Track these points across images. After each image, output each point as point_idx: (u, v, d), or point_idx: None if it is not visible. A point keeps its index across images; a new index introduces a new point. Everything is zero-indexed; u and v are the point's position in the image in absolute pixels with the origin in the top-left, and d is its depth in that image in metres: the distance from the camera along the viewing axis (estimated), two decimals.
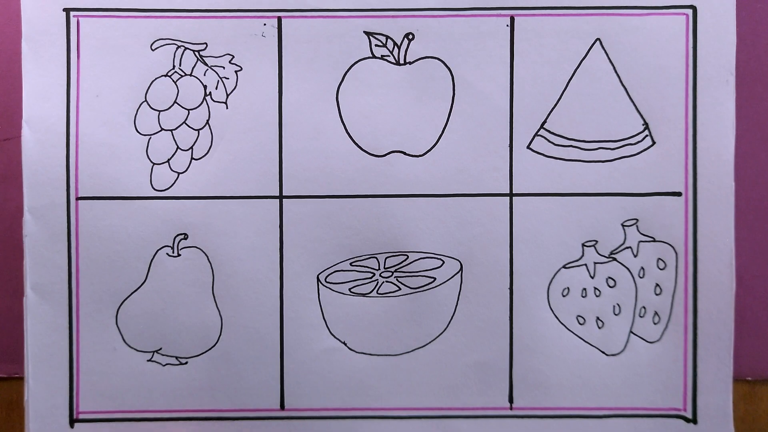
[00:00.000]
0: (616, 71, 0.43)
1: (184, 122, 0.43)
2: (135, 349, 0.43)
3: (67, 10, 0.42)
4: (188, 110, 0.43)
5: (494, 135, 0.43)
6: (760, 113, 0.43)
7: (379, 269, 0.43)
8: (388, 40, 0.43)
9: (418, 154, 0.43)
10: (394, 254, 0.43)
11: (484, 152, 0.43)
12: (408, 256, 0.43)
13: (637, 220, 0.43)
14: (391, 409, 0.43)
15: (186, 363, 0.43)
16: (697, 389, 0.43)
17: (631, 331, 0.43)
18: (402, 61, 0.43)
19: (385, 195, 0.43)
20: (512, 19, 0.43)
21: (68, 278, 0.42)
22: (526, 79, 0.43)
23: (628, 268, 0.43)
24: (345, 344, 0.43)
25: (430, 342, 0.43)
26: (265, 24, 0.42)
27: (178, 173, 0.43)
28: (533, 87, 0.43)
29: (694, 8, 0.42)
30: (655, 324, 0.43)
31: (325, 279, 0.43)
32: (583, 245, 0.43)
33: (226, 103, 0.43)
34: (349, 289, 0.43)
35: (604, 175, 0.43)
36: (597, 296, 0.43)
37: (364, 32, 0.43)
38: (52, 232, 0.42)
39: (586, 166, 0.43)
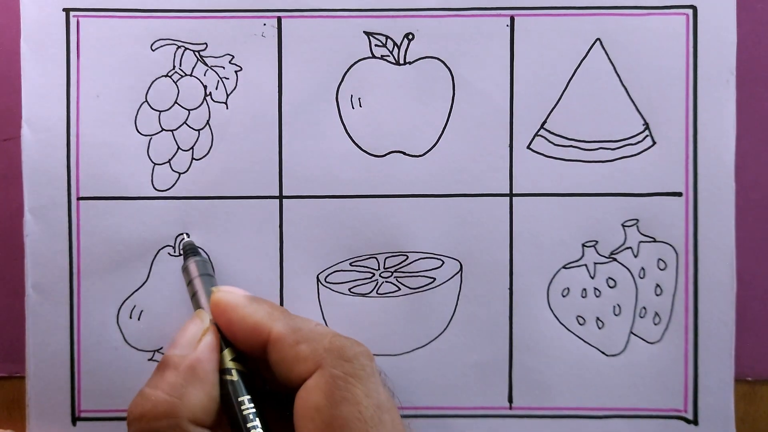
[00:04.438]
0: (616, 71, 0.42)
1: (185, 122, 0.43)
2: (136, 349, 0.43)
3: (66, 10, 0.42)
4: (188, 110, 0.43)
5: (494, 135, 0.43)
6: (760, 113, 0.43)
7: (379, 269, 0.43)
8: (388, 40, 0.43)
9: (418, 154, 0.43)
10: (394, 254, 0.43)
11: (484, 152, 0.43)
12: (408, 257, 0.43)
13: (637, 220, 0.43)
14: None
15: None
16: (697, 390, 0.43)
17: (632, 332, 0.43)
18: (402, 61, 0.43)
19: (385, 195, 0.43)
20: (512, 19, 0.43)
21: (69, 278, 0.43)
22: (526, 79, 0.43)
23: (628, 269, 0.43)
24: None
25: (429, 342, 0.43)
26: (265, 24, 0.43)
27: (179, 173, 0.43)
28: (533, 87, 0.43)
29: (694, 8, 0.42)
30: (655, 324, 0.43)
31: (325, 279, 0.43)
32: (583, 245, 0.43)
33: (226, 103, 0.43)
34: (349, 290, 0.43)
35: (604, 175, 0.43)
36: (597, 296, 0.43)
37: (364, 32, 0.43)
38: (53, 232, 0.42)
39: (586, 166, 0.43)
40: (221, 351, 0.37)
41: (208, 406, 0.35)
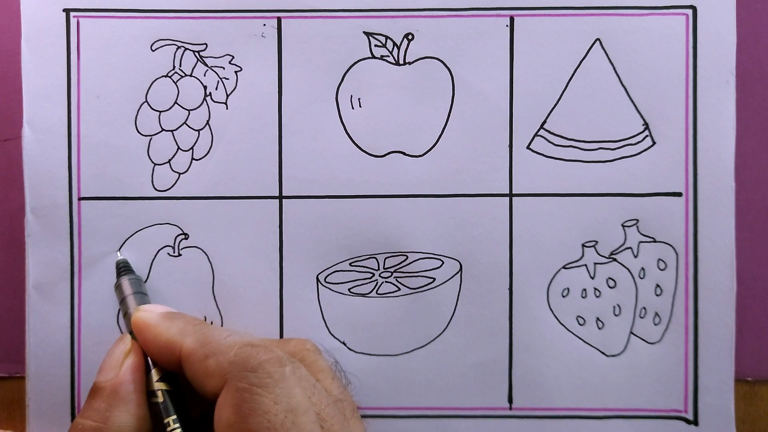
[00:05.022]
0: (616, 71, 0.42)
1: (185, 123, 0.43)
2: None
3: (67, 11, 0.42)
4: (188, 111, 0.43)
5: (494, 135, 0.43)
6: (760, 113, 0.43)
7: (379, 269, 0.43)
8: (388, 40, 0.43)
9: (417, 154, 0.43)
10: (394, 254, 0.43)
11: (484, 152, 0.43)
12: (407, 257, 0.43)
13: (637, 220, 0.43)
14: (390, 408, 0.43)
15: None
16: (698, 390, 0.43)
17: (632, 332, 0.43)
18: (402, 62, 0.43)
19: (385, 195, 0.43)
20: (512, 19, 0.43)
21: (70, 278, 0.43)
22: (526, 79, 0.43)
23: (628, 269, 0.43)
24: (344, 344, 0.43)
25: (429, 342, 0.43)
26: (264, 24, 0.43)
27: (179, 173, 0.43)
28: (533, 87, 0.43)
29: (694, 8, 0.42)
30: (655, 325, 0.43)
31: (325, 279, 0.43)
32: (583, 246, 0.43)
33: (226, 103, 0.43)
34: (349, 290, 0.43)
35: (604, 175, 0.43)
36: (597, 297, 0.43)
37: (364, 32, 0.43)
38: (54, 232, 0.43)
39: (586, 166, 0.43)
40: (149, 371, 0.37)
41: (136, 427, 0.35)
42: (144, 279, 0.43)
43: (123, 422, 0.35)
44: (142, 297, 0.40)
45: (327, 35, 0.43)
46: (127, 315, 0.40)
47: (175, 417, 0.35)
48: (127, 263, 0.42)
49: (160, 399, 0.36)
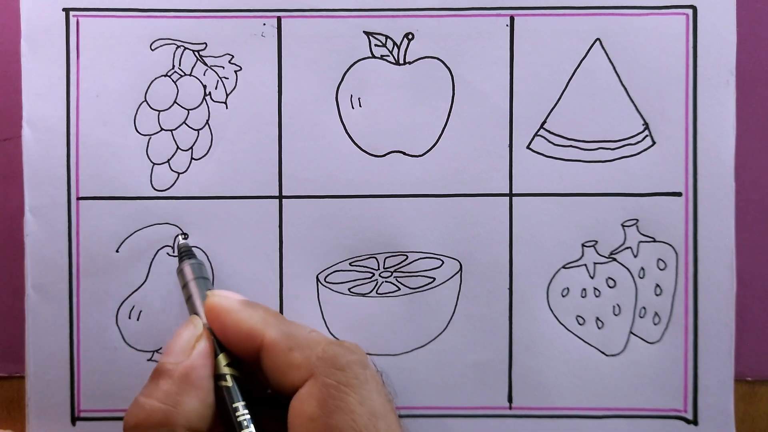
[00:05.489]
0: (616, 71, 0.42)
1: (184, 122, 0.43)
2: (135, 349, 0.43)
3: (66, 10, 0.42)
4: (188, 110, 0.43)
5: (494, 135, 0.43)
6: (760, 113, 0.43)
7: (379, 269, 0.43)
8: (388, 40, 0.43)
9: (417, 154, 0.43)
10: (394, 254, 0.43)
11: (484, 152, 0.43)
12: (407, 256, 0.43)
13: (637, 220, 0.43)
14: None
15: None
16: (697, 390, 0.43)
17: (631, 332, 0.43)
18: (402, 61, 0.43)
19: (385, 195, 0.43)
20: (512, 19, 0.43)
21: (69, 278, 0.43)
22: (526, 79, 0.43)
23: (628, 269, 0.43)
24: None
25: (429, 342, 0.43)
26: (264, 24, 0.43)
27: (178, 173, 0.43)
28: (533, 87, 0.43)
29: (694, 8, 0.42)
30: (655, 324, 0.43)
31: (325, 279, 0.43)
32: (583, 245, 0.43)
33: (225, 103, 0.43)
34: (349, 289, 0.43)
35: (604, 175, 0.43)
36: (597, 296, 0.43)
37: (364, 32, 0.43)
38: (53, 232, 0.42)
39: (586, 166, 0.43)
40: (216, 356, 0.37)
41: (203, 413, 0.35)
42: (143, 280, 0.43)
43: (193, 407, 0.35)
44: (206, 282, 0.40)
45: (327, 35, 0.43)
46: (190, 299, 0.39)
47: (243, 403, 0.35)
48: (189, 247, 0.42)
49: (229, 383, 0.36)
